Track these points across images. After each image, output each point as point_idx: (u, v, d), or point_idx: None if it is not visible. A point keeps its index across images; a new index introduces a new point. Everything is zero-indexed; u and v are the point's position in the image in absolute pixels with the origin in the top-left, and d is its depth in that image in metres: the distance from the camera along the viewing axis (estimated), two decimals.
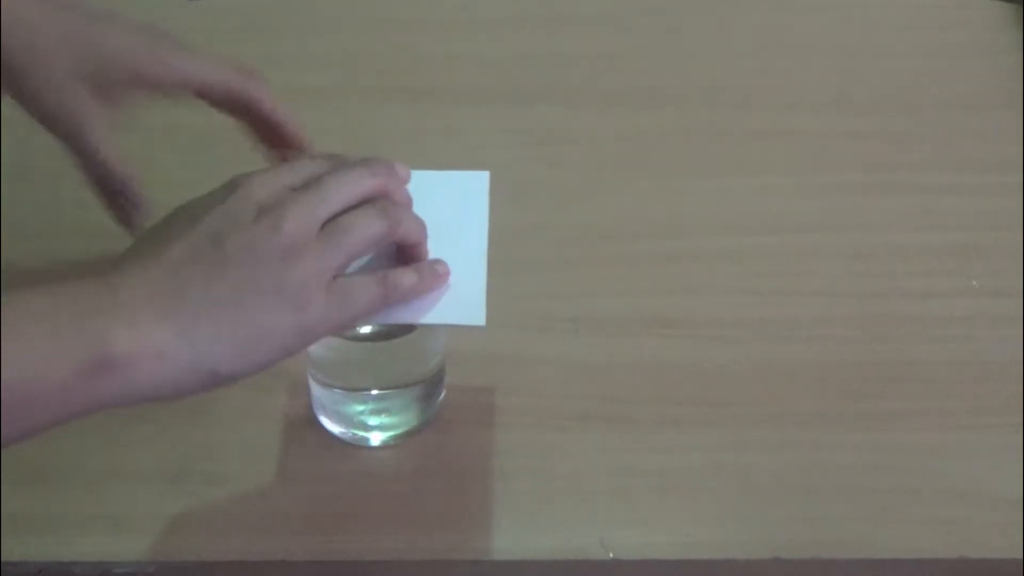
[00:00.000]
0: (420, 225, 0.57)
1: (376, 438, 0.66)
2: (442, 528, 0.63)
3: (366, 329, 0.60)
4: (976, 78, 0.91)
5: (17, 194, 0.79)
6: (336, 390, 0.64)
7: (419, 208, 0.58)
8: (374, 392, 0.64)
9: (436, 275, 0.57)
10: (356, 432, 0.65)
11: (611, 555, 0.62)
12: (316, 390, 0.65)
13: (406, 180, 0.58)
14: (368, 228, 0.54)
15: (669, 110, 0.88)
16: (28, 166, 0.81)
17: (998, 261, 0.76)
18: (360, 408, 0.65)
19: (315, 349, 0.62)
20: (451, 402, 0.68)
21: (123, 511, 0.63)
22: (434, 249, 0.58)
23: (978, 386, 0.69)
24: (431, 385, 0.65)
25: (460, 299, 0.58)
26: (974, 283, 0.75)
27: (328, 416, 0.65)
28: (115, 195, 0.65)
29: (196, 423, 0.67)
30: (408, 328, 0.59)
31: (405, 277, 0.56)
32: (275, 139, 0.65)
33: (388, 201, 0.56)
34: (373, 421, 0.65)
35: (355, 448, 0.66)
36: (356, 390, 0.64)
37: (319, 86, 0.89)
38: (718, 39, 0.95)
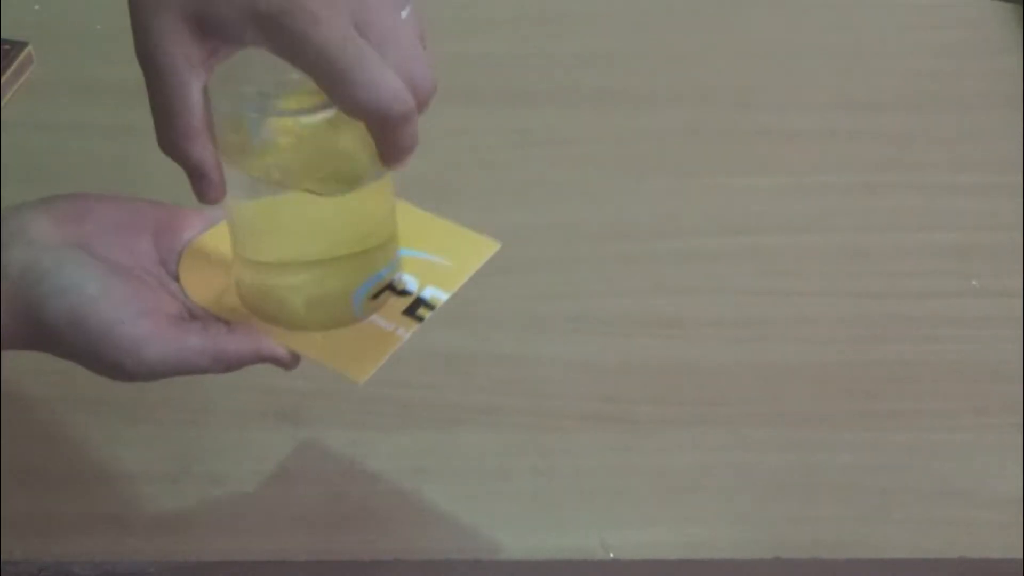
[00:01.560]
0: None
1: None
2: (442, 528, 0.63)
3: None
4: (976, 78, 0.91)
5: (17, 194, 0.78)
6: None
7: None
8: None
9: None
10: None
11: (611, 555, 0.62)
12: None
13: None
14: None
15: (669, 110, 0.88)
16: (28, 166, 0.81)
17: (998, 261, 0.76)
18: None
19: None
20: (451, 402, 0.68)
21: (123, 511, 0.63)
22: None
23: (978, 386, 0.69)
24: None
25: None
26: (974, 283, 0.75)
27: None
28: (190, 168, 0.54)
29: (196, 423, 0.67)
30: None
31: None
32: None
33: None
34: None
35: (356, 448, 0.66)
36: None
37: None
38: (718, 39, 0.95)
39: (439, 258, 0.58)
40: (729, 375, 0.70)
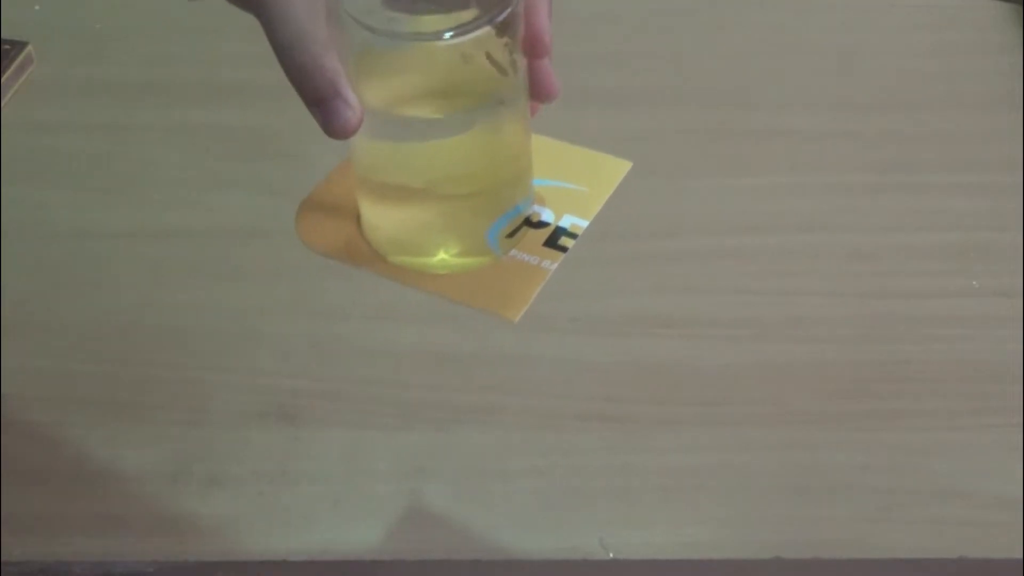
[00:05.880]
0: None
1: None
2: (442, 528, 0.63)
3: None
4: (976, 78, 0.91)
5: (17, 194, 0.79)
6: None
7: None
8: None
9: None
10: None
11: (611, 555, 0.62)
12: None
13: None
14: None
15: (668, 110, 0.88)
16: (28, 166, 0.81)
17: (998, 261, 0.76)
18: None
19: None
20: (451, 402, 0.68)
21: (123, 511, 0.63)
22: None
23: (978, 386, 0.69)
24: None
25: None
26: (974, 283, 0.75)
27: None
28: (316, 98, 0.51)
29: (196, 423, 0.67)
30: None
31: None
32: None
33: None
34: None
35: (356, 448, 0.66)
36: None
37: None
38: (718, 39, 0.95)
39: (573, 185, 0.56)
40: (729, 375, 0.70)
